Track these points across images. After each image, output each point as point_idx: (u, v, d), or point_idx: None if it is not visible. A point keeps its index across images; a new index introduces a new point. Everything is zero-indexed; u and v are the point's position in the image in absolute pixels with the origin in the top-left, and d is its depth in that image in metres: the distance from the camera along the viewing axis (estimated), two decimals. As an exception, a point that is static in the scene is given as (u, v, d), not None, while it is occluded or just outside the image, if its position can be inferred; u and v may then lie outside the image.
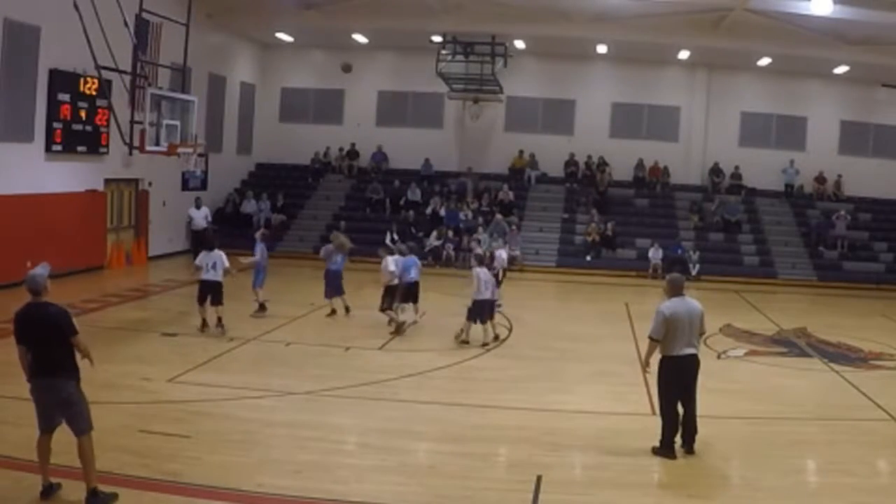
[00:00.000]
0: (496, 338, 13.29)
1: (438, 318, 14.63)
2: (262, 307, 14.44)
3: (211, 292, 13.00)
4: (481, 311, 12.83)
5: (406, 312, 14.18)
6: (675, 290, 8.13)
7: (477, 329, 12.96)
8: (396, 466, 7.56)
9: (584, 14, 22.06)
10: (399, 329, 13.51)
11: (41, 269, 6.36)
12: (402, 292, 13.91)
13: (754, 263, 24.28)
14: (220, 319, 13.02)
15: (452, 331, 13.02)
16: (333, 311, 14.64)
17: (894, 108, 26.56)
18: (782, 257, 24.40)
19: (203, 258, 13.19)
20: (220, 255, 13.14)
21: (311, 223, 25.57)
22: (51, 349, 6.24)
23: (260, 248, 14.64)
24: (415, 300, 14.26)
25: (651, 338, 8.05)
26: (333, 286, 14.64)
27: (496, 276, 17.11)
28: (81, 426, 6.36)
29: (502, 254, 17.53)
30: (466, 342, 12.72)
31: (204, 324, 13.06)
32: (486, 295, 12.85)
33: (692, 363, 8.00)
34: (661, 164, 27.31)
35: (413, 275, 14.06)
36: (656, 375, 8.12)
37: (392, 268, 13.58)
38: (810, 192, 26.88)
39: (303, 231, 25.22)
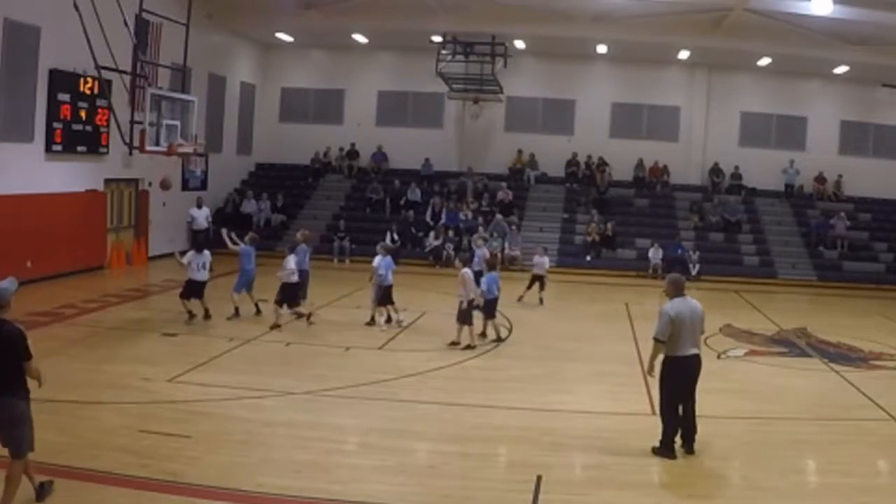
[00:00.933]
0: (497, 338, 13.30)
1: (438, 318, 14.60)
2: (237, 312, 14.17)
3: (196, 291, 13.74)
4: (469, 313, 12.68)
5: (383, 315, 14.19)
6: (676, 291, 8.12)
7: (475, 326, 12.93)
8: (396, 466, 7.56)
9: (584, 14, 22.07)
10: (277, 326, 13.33)
11: (8, 284, 6.15)
12: (382, 295, 13.94)
13: (754, 263, 24.28)
14: (206, 310, 13.77)
15: (452, 331, 12.95)
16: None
17: (894, 108, 26.56)
18: (782, 257, 24.40)
19: (193, 259, 13.72)
20: (209, 257, 13.91)
21: (311, 223, 25.42)
22: (2, 368, 5.97)
23: (245, 251, 14.48)
24: (391, 301, 14.18)
25: (656, 339, 8.00)
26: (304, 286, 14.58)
27: (539, 279, 17.40)
28: (21, 448, 6.07)
29: (543, 260, 17.77)
30: (473, 346, 12.57)
31: (191, 315, 13.67)
32: (474, 294, 12.77)
33: (696, 363, 8.00)
34: (661, 164, 27.32)
35: (391, 278, 14.11)
36: (659, 376, 8.11)
37: (291, 265, 13.60)
38: (810, 192, 26.87)
39: (303, 231, 25.19)
